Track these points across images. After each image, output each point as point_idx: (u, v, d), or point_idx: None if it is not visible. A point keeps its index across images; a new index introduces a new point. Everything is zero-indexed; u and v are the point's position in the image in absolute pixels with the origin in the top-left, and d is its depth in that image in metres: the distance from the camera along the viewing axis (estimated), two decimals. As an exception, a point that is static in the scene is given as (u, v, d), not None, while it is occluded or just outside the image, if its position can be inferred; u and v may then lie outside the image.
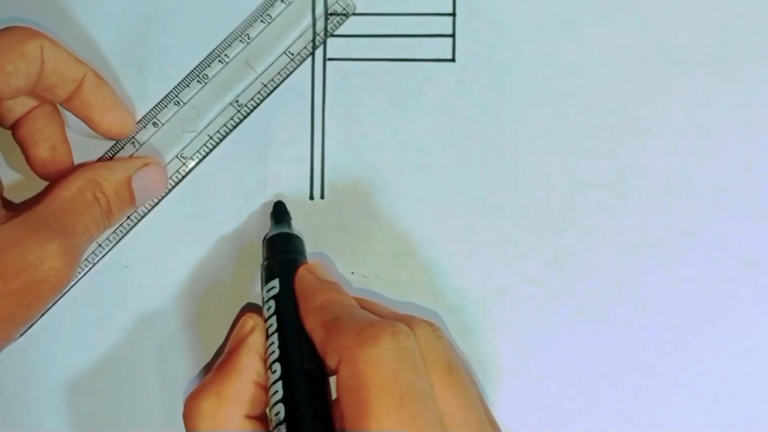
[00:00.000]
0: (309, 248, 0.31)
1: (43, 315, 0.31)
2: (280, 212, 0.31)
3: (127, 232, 0.31)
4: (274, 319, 0.26)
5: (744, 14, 0.32)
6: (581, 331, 0.31)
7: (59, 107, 0.31)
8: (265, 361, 0.26)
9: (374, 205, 0.32)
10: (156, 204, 0.32)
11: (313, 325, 0.25)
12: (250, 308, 0.31)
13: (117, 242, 0.31)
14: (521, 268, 0.31)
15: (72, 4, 0.32)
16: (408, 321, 0.24)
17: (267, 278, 0.28)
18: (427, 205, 0.32)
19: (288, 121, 0.32)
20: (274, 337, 0.26)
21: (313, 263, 0.28)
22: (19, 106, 0.29)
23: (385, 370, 0.22)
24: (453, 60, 0.32)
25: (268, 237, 0.30)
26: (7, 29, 0.28)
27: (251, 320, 0.27)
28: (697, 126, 0.32)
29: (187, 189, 0.32)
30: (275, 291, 0.27)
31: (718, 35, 0.32)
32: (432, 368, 0.23)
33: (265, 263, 0.29)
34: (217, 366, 0.26)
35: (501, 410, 0.30)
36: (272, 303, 0.27)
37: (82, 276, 0.31)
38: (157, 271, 0.31)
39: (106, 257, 0.31)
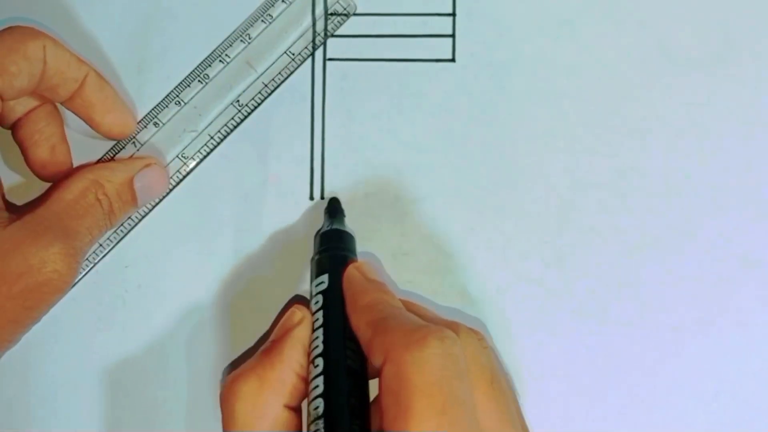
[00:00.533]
0: (309, 249, 0.31)
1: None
2: (334, 208, 0.31)
3: (128, 232, 0.31)
4: (320, 314, 0.26)
5: (744, 14, 0.32)
6: (581, 331, 0.31)
7: (60, 107, 0.31)
8: (308, 354, 0.26)
9: (374, 205, 0.32)
10: (156, 204, 0.32)
11: (359, 323, 0.25)
12: (299, 300, 0.31)
13: (117, 242, 0.31)
14: (521, 268, 0.31)
15: (73, 4, 0.32)
16: (454, 328, 0.24)
17: (317, 273, 0.28)
18: (427, 205, 0.32)
19: (288, 121, 0.32)
20: (319, 332, 0.26)
21: (362, 262, 0.28)
22: (19, 106, 0.29)
23: (429, 374, 0.22)
24: (453, 60, 0.32)
25: (321, 232, 0.30)
26: (9, 29, 0.28)
27: (300, 312, 0.27)
28: (697, 126, 0.32)
29: (187, 189, 0.32)
30: (324, 286, 0.27)
31: (718, 35, 0.32)
32: (475, 378, 0.23)
33: (316, 258, 0.29)
34: (261, 352, 0.26)
35: (501, 410, 0.30)
36: (320, 298, 0.27)
37: (83, 276, 0.31)
38: (157, 271, 0.31)
39: (106, 257, 0.31)
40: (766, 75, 0.32)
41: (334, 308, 0.26)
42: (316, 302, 0.27)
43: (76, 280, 0.31)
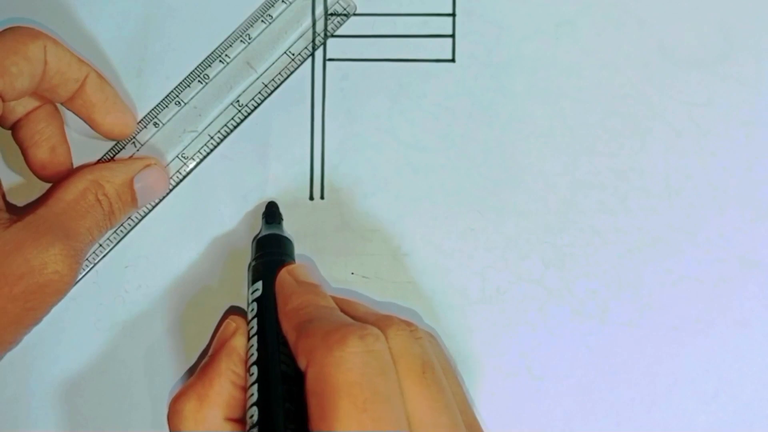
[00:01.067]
0: (309, 249, 0.31)
1: (43, 315, 0.31)
2: (272, 213, 0.31)
3: (128, 232, 0.31)
4: (255, 322, 0.26)
5: (744, 14, 0.32)
6: (581, 331, 0.31)
7: (60, 108, 0.31)
8: (245, 363, 0.26)
9: (374, 205, 0.32)
10: (156, 204, 0.32)
11: (287, 327, 0.25)
12: (235, 311, 0.31)
13: (117, 242, 0.31)
14: (521, 268, 0.31)
15: (73, 4, 0.32)
16: (385, 321, 0.24)
17: (252, 280, 0.28)
18: (427, 205, 0.32)
19: (288, 121, 0.32)
20: (254, 340, 0.26)
21: (295, 265, 0.28)
22: (20, 107, 0.29)
23: (350, 373, 0.22)
24: (453, 60, 0.32)
25: (257, 238, 0.30)
26: (10, 30, 0.28)
27: (234, 323, 0.27)
28: (697, 126, 0.32)
29: (187, 189, 0.32)
30: (258, 293, 0.27)
31: (718, 35, 0.32)
32: (405, 369, 0.23)
33: (252, 264, 0.29)
34: (200, 369, 0.27)
35: (501, 410, 0.30)
36: (255, 305, 0.27)
37: (83, 276, 0.31)
38: (157, 271, 0.31)
39: (106, 257, 0.31)
40: (766, 75, 0.32)
41: (269, 315, 0.26)
42: (252, 310, 0.27)
43: (77, 281, 0.31)
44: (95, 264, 0.31)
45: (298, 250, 0.31)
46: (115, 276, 0.31)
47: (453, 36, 0.32)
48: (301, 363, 0.23)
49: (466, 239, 0.31)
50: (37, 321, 0.27)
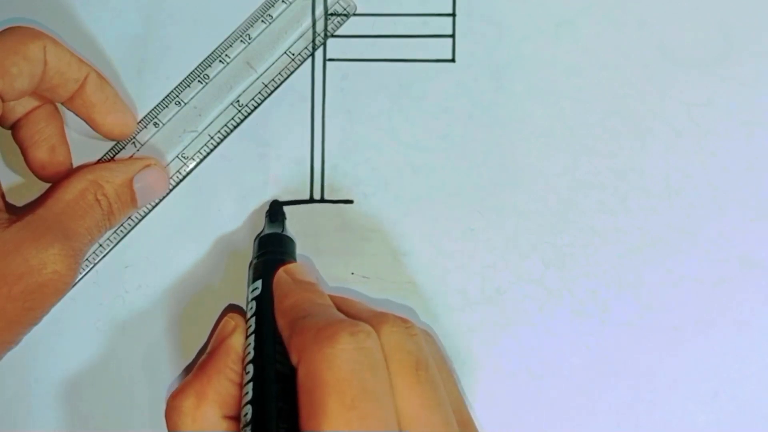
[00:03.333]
0: (309, 249, 0.31)
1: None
2: (274, 212, 0.31)
3: (128, 232, 0.31)
4: (253, 320, 0.26)
5: (744, 14, 0.32)
6: (581, 331, 0.31)
7: (60, 108, 0.31)
8: (243, 361, 0.26)
9: (374, 205, 0.32)
10: (156, 204, 0.32)
11: (281, 324, 0.25)
12: (234, 309, 0.31)
13: (117, 243, 0.31)
14: (521, 268, 0.31)
15: (73, 4, 0.32)
16: (380, 318, 0.24)
17: (252, 278, 0.28)
18: (427, 205, 0.32)
19: (288, 121, 0.32)
20: (251, 338, 0.26)
21: (292, 264, 0.28)
22: (19, 107, 0.29)
23: (339, 370, 0.22)
24: (453, 60, 0.32)
25: (258, 237, 0.30)
26: (10, 30, 0.28)
27: (233, 321, 0.27)
28: (697, 126, 0.32)
29: (187, 189, 0.32)
30: (257, 292, 0.27)
31: (718, 35, 0.32)
32: (398, 366, 0.23)
33: (253, 263, 0.29)
34: (198, 366, 0.27)
35: (501, 410, 0.30)
36: (254, 304, 0.27)
37: (83, 276, 0.31)
38: (157, 271, 0.31)
39: (106, 257, 0.31)
40: (766, 75, 0.32)
41: (266, 313, 0.26)
42: (251, 308, 0.27)
43: (76, 281, 0.31)
44: (95, 264, 0.31)
45: (299, 250, 0.31)
46: (115, 276, 0.31)
47: (453, 36, 0.32)
48: (293, 360, 0.23)
49: (466, 239, 0.31)
50: (36, 321, 0.27)
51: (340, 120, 0.32)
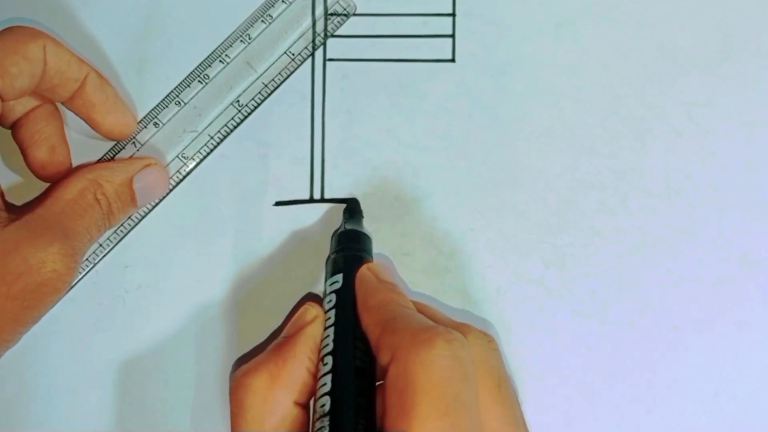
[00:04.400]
0: (309, 249, 0.31)
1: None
2: (353, 209, 0.31)
3: (128, 232, 0.31)
4: (332, 313, 0.27)
5: (744, 14, 0.32)
6: (581, 331, 0.31)
7: (60, 107, 0.31)
8: (319, 352, 0.26)
9: (374, 205, 0.32)
10: (156, 204, 0.32)
11: (369, 321, 0.25)
12: (311, 298, 0.31)
13: (117, 242, 0.31)
14: (521, 268, 0.31)
15: (73, 4, 0.32)
16: (464, 329, 0.24)
17: (331, 272, 0.28)
18: (427, 205, 0.32)
19: (288, 121, 0.32)
20: (330, 331, 0.26)
21: (375, 263, 0.28)
22: (19, 106, 0.29)
23: (434, 375, 0.22)
24: (453, 60, 0.32)
25: (338, 232, 0.30)
26: (10, 30, 0.28)
27: (313, 309, 0.27)
28: (697, 126, 0.32)
29: (187, 189, 0.32)
30: (337, 285, 0.27)
31: (718, 35, 0.32)
32: (482, 380, 0.23)
33: (332, 257, 0.29)
34: (272, 348, 0.26)
35: (501, 410, 0.30)
36: (333, 297, 0.27)
37: (82, 276, 0.31)
38: (157, 271, 0.31)
39: (106, 257, 0.31)
40: (766, 75, 0.32)
41: (346, 307, 0.26)
42: (329, 301, 0.27)
43: (76, 281, 0.31)
44: (95, 264, 0.31)
45: (299, 250, 0.31)
46: (115, 276, 0.31)
47: (453, 36, 0.32)
48: (384, 358, 0.23)
49: (466, 239, 0.31)
50: (35, 320, 0.27)
51: (340, 120, 0.32)
